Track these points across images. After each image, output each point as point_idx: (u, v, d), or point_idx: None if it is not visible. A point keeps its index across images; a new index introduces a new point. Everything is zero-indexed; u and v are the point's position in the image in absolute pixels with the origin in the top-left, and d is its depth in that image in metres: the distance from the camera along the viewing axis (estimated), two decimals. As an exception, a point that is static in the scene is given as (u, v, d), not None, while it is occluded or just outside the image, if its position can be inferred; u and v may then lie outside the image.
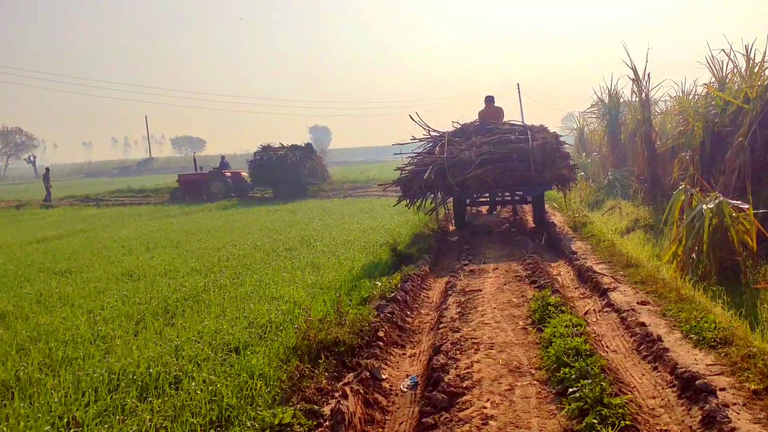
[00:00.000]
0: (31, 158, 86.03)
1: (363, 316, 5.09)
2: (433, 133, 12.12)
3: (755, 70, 9.63)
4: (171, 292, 7.80)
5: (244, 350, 5.43)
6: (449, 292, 6.35)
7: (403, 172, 11.22)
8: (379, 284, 6.56)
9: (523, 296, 5.79)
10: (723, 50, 12.03)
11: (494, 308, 5.43)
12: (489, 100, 13.03)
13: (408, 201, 11.07)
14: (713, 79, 13.75)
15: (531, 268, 7.22)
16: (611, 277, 6.15)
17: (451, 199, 11.56)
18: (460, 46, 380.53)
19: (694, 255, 6.58)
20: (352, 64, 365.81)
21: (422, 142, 12.01)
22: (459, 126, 12.24)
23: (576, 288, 6.49)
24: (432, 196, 11.09)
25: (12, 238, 15.56)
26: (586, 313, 5.14)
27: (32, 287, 8.84)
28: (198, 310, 6.92)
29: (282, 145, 26.39)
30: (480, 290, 6.25)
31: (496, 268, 7.70)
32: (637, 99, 15.71)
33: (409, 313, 5.86)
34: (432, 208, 11.43)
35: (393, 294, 5.97)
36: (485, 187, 10.81)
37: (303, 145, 26.77)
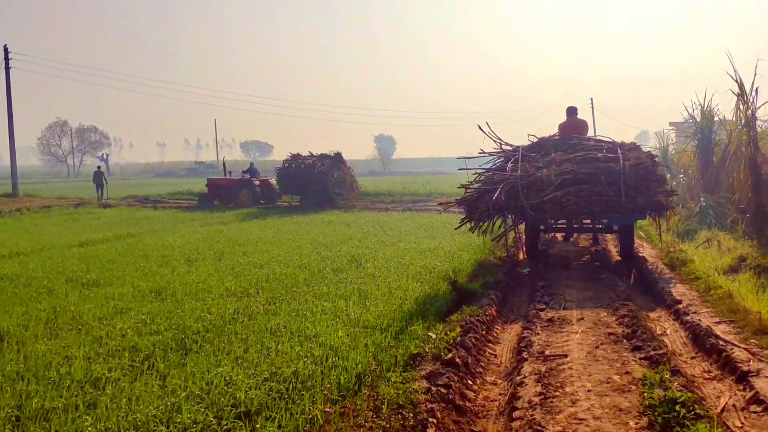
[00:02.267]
0: (105, 156, 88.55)
1: (408, 393, 3.77)
2: (505, 147, 10.69)
3: None
4: (195, 320, 6.71)
5: (256, 416, 4.25)
6: (523, 353, 4.96)
7: (468, 190, 9.83)
8: (433, 336, 5.22)
9: (626, 372, 4.33)
10: None
11: (588, 390, 4.01)
12: (571, 111, 11.50)
13: (472, 224, 9.67)
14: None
15: (627, 323, 5.73)
16: (745, 349, 4.60)
17: (522, 223, 10.07)
18: (530, 57, 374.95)
19: None
20: (422, 73, 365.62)
21: (492, 157, 10.61)
22: (536, 140, 10.76)
23: (692, 357, 4.96)
24: (501, 219, 9.66)
25: (58, 240, 15.02)
26: (723, 411, 3.65)
27: (49, 302, 7.95)
28: (218, 346, 5.79)
29: (311, 153, 26.14)
30: (565, 356, 4.82)
31: (582, 318, 6.23)
32: (739, 117, 13.85)
33: (470, 382, 4.50)
34: (500, 233, 9.98)
35: (450, 355, 4.62)
36: (565, 213, 9.30)
37: (332, 154, 26.47)
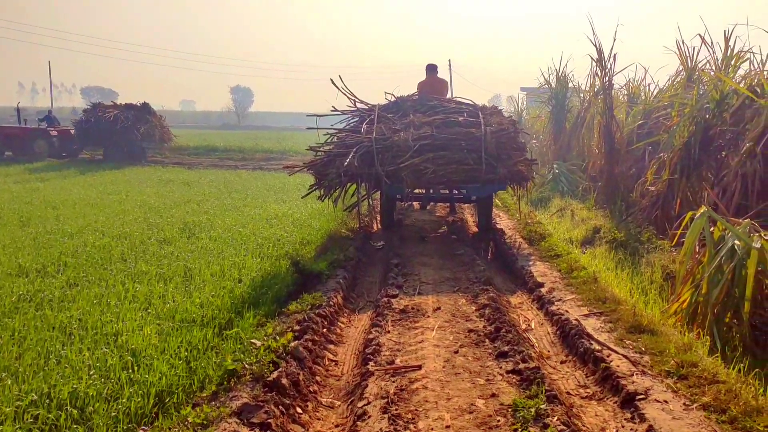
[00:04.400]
0: None
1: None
2: (360, 106, 9.67)
3: None
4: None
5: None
6: (369, 363, 4.02)
7: (318, 153, 8.73)
8: (258, 343, 4.14)
9: (493, 394, 3.50)
10: (699, 35, 10.25)
11: (447, 427, 3.14)
12: (431, 69, 10.67)
13: (322, 191, 8.61)
14: (681, 68, 12.08)
15: (489, 315, 4.99)
16: (624, 356, 3.93)
17: (377, 192, 9.18)
18: (394, 17, 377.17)
19: (725, 314, 4.55)
20: (283, 23, 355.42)
21: (346, 116, 9.57)
22: (393, 99, 9.83)
23: (563, 362, 4.29)
24: (354, 187, 8.68)
25: None
26: None
27: None
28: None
29: (115, 104, 24.84)
30: (419, 367, 3.95)
31: (438, 308, 5.43)
32: (595, 83, 13.86)
33: (299, 410, 3.49)
34: (353, 203, 9.01)
35: (275, 374, 3.57)
36: (423, 182, 8.48)
37: (139, 105, 24.84)
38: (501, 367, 3.91)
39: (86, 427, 3.35)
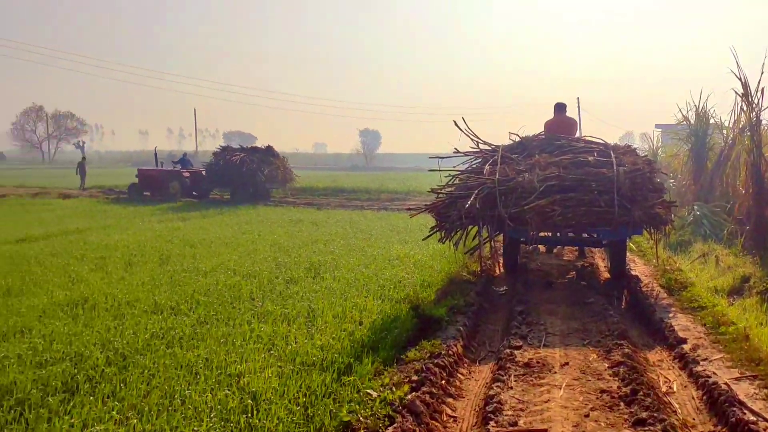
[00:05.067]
0: (81, 143, 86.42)
1: None
2: (482, 147, 9.49)
3: None
4: (101, 346, 5.50)
5: None
6: (490, 423, 3.76)
7: (439, 195, 8.62)
8: (375, 394, 4.02)
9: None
10: None
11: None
12: (560, 108, 10.32)
13: (443, 234, 8.46)
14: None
15: (624, 374, 4.57)
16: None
17: (500, 235, 8.88)
18: (516, 52, 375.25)
19: None
20: (410, 68, 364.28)
21: (468, 158, 9.41)
22: (518, 139, 9.57)
23: (711, 433, 3.81)
24: (475, 229, 8.46)
25: (-8, 236, 13.64)
26: None
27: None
28: (115, 387, 4.56)
29: (241, 146, 26.45)
30: (545, 431, 3.64)
31: (566, 363, 5.06)
32: (741, 119, 12.82)
33: (413, 471, 3.31)
34: (474, 246, 8.78)
35: (390, 431, 3.42)
36: (549, 225, 8.11)
37: (263, 147, 26.20)
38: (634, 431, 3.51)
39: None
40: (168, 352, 5.41)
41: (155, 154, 28.03)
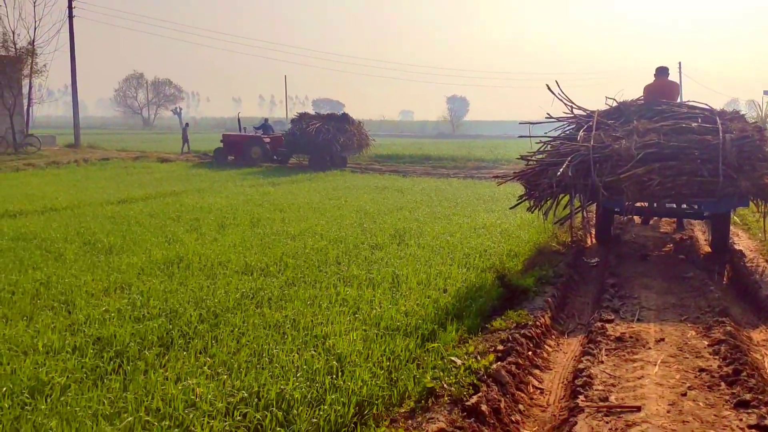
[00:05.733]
0: (178, 109, 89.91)
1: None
2: (577, 112, 9.09)
3: None
4: (194, 304, 5.72)
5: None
6: (579, 397, 3.64)
7: (529, 162, 8.34)
8: (459, 362, 3.95)
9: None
10: None
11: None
12: (661, 72, 9.70)
13: (532, 203, 8.22)
14: None
15: (725, 352, 4.30)
16: None
17: (593, 204, 8.52)
18: (614, 17, 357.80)
19: None
20: (496, 33, 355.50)
21: (561, 124, 9.04)
22: (615, 104, 9.10)
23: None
24: (567, 198, 8.14)
25: (99, 195, 14.49)
26: None
27: (50, 269, 7.17)
28: (207, 343, 4.74)
29: (318, 114, 26.65)
30: (638, 408, 3.48)
31: (662, 339, 4.81)
32: None
33: (498, 440, 3.24)
34: (565, 216, 8.47)
35: (475, 399, 3.35)
36: (646, 195, 7.70)
37: (339, 114, 26.40)
38: (741, 420, 3.29)
39: (288, 431, 3.41)
40: (257, 311, 5.57)
41: (239, 120, 28.92)
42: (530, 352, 4.55)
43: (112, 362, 4.40)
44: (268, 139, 26.29)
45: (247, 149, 25.90)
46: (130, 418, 3.50)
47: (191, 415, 3.53)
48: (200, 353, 4.62)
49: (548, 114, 9.13)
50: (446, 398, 3.42)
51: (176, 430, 3.41)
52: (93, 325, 5.21)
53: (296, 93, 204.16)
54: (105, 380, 4.10)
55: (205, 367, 4.28)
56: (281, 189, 16.64)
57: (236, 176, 19.93)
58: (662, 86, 9.60)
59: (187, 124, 35.26)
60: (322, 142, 24.08)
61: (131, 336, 4.87)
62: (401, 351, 4.58)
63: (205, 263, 7.46)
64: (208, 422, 3.45)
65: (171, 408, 3.63)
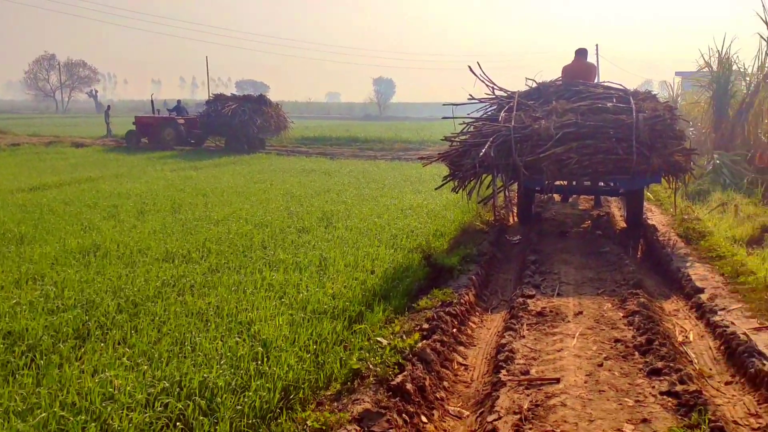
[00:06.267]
0: (93, 92, 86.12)
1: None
2: (498, 93, 9.23)
3: None
4: (112, 293, 5.49)
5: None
6: (502, 372, 3.72)
7: (453, 143, 8.43)
8: (384, 342, 3.96)
9: (644, 419, 3.08)
10: None
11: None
12: (580, 53, 9.98)
13: (456, 183, 8.32)
14: None
15: (639, 323, 4.49)
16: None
17: (515, 184, 8.72)
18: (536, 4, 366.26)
19: None
20: (424, 16, 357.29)
21: (483, 105, 9.16)
22: (535, 85, 9.30)
23: (728, 383, 3.72)
24: (489, 178, 8.28)
25: (9, 183, 13.65)
26: None
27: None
28: (126, 334, 4.57)
29: (234, 95, 26.23)
30: (557, 380, 3.58)
31: (580, 312, 4.98)
32: (764, 64, 12.43)
33: (423, 419, 3.26)
34: (488, 196, 8.63)
35: (400, 378, 3.37)
36: (565, 173, 7.93)
37: (256, 96, 26.00)
38: (654, 387, 3.44)
39: (212, 420, 3.33)
40: (179, 299, 5.40)
41: (152, 102, 27.90)
42: (455, 330, 4.61)
43: (24, 357, 4.17)
44: (182, 121, 25.51)
45: (161, 131, 25.01)
46: (43, 414, 3.33)
47: (109, 408, 3.40)
48: (119, 344, 4.45)
49: (470, 95, 9.24)
50: (372, 379, 3.42)
51: (93, 424, 3.27)
52: (3, 318, 4.92)
53: (219, 75, 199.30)
54: (17, 376, 3.89)
55: (124, 358, 4.12)
56: (204, 173, 16.21)
57: (156, 160, 19.29)
58: (580, 67, 9.87)
59: (108, 107, 33.86)
60: (238, 123, 23.64)
61: (44, 329, 4.63)
62: (328, 334, 4.55)
63: (123, 251, 7.18)
64: (126, 415, 3.33)
65: (87, 402, 3.48)
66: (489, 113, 8.90)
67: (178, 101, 28.73)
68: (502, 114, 8.34)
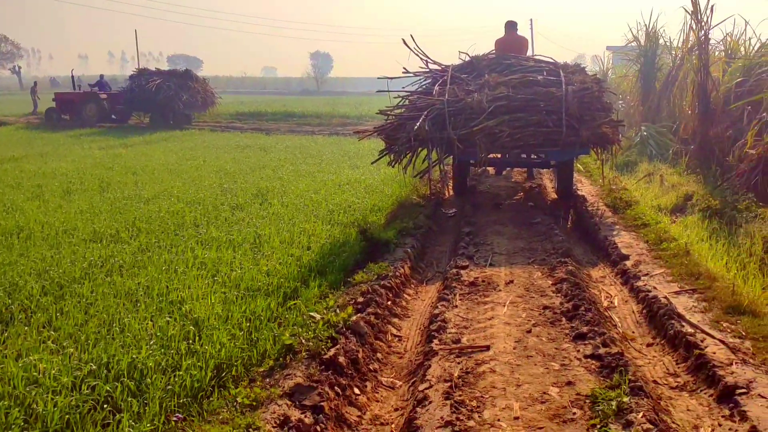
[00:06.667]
0: (17, 68, 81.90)
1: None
2: (432, 66, 9.24)
3: None
4: (36, 276, 5.29)
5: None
6: (434, 341, 3.77)
7: (388, 117, 8.41)
8: (318, 317, 3.95)
9: (568, 381, 3.19)
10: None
11: (516, 418, 2.85)
12: (510, 26, 10.08)
13: (392, 157, 8.32)
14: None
15: (567, 290, 4.62)
16: (721, 341, 3.50)
17: (449, 157, 8.79)
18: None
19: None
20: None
21: (418, 79, 9.16)
22: (468, 59, 9.34)
23: (649, 345, 3.89)
24: (425, 152, 8.32)
25: None
26: None
27: None
28: (51, 316, 4.40)
29: (158, 70, 26.20)
30: (487, 347, 3.66)
31: (511, 281, 5.09)
32: (689, 38, 12.85)
33: (356, 391, 3.29)
34: (424, 169, 8.68)
35: (332, 353, 3.38)
36: (498, 146, 8.04)
37: (182, 71, 25.72)
38: (579, 351, 3.56)
39: (141, 401, 3.26)
40: (107, 280, 5.24)
41: (72, 77, 26.51)
42: (389, 302, 4.65)
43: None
44: (104, 97, 24.55)
45: (82, 108, 24.00)
46: (-38, 403, 3.19)
47: (33, 393, 3.28)
48: (44, 327, 4.29)
49: (405, 69, 9.22)
50: (304, 354, 3.41)
51: (16, 409, 3.15)
52: None
53: (150, 49, 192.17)
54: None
55: (49, 342, 3.99)
56: (134, 150, 15.72)
57: (83, 138, 18.56)
58: (512, 40, 9.98)
59: (35, 83, 32.27)
60: (163, 99, 23.09)
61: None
62: (262, 311, 4.50)
63: (48, 232, 6.91)
64: (52, 398, 3.22)
65: (10, 387, 3.36)
66: (423, 87, 8.91)
67: (101, 76, 27.51)
68: (436, 87, 8.36)
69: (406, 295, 5.09)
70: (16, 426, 2.96)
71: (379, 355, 3.84)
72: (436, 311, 4.35)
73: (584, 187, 10.02)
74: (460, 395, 3.04)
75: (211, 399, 3.35)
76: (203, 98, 24.82)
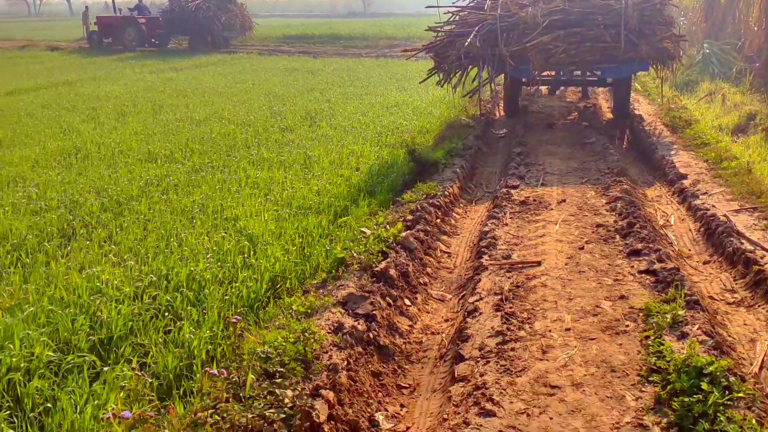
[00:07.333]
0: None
1: (306, 337, 2.59)
2: (484, -20, 8.87)
3: None
4: (95, 193, 5.47)
5: (117, 346, 3.14)
6: (484, 257, 3.77)
7: (437, 34, 8.16)
8: (368, 232, 3.98)
9: (621, 296, 3.16)
10: None
11: (567, 329, 2.86)
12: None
13: (441, 75, 8.13)
14: None
15: (621, 209, 4.52)
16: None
17: (501, 75, 8.52)
18: None
19: None
20: None
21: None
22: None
23: (706, 262, 3.81)
24: (475, 70, 8.09)
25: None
26: (761, 369, 2.51)
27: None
28: (111, 231, 4.57)
29: None
30: (539, 263, 3.64)
31: (563, 200, 5.01)
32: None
33: (407, 302, 3.34)
34: (474, 88, 8.45)
35: (383, 265, 3.42)
36: (552, 63, 7.75)
37: None
38: (633, 267, 3.52)
39: (200, 309, 3.39)
40: (163, 198, 5.38)
41: (113, 1, 26.45)
42: (439, 220, 4.65)
43: (9, 256, 4.18)
44: (143, 21, 24.34)
45: (122, 32, 23.93)
46: (31, 309, 3.37)
47: (97, 302, 3.44)
48: (105, 242, 4.45)
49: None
50: (356, 266, 3.47)
51: (82, 316, 3.31)
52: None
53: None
54: (3, 274, 3.91)
55: (111, 255, 4.14)
56: (184, 74, 15.79)
57: (134, 62, 18.72)
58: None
59: (86, 8, 32.32)
60: (202, 19, 22.85)
61: (29, 228, 4.63)
62: (314, 228, 4.57)
63: (105, 153, 7.11)
64: (115, 307, 3.37)
65: (75, 296, 3.52)
66: (475, 1, 8.58)
67: (140, 0, 27.47)
68: (488, 2, 8.05)
69: (455, 214, 5.08)
70: (82, 332, 3.11)
71: (428, 269, 3.88)
72: (486, 228, 4.34)
73: (642, 107, 9.65)
74: (510, 307, 3.06)
75: (266, 308, 3.46)
76: (241, 22, 24.57)
